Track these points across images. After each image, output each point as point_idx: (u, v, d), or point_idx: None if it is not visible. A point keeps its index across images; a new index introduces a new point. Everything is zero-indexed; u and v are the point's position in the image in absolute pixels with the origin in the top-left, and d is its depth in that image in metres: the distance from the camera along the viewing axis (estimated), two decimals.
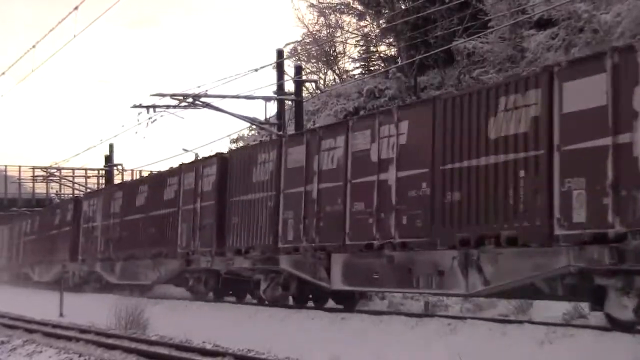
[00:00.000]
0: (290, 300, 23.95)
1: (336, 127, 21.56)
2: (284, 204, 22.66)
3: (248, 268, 24.65)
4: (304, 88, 38.97)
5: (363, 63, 49.25)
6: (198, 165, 28.55)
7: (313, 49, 49.50)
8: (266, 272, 23.81)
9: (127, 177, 52.67)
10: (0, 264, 61.59)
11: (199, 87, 31.26)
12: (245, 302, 26.71)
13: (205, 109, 31.59)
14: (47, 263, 45.55)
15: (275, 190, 23.05)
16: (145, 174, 48.02)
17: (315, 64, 51.37)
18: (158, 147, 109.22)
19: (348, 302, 22.61)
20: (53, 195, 62.48)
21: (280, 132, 30.85)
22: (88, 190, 55.04)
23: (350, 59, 50.67)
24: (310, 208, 21.39)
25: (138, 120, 32.57)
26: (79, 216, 40.85)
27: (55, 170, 58.76)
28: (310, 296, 23.48)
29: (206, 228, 26.81)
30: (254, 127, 40.83)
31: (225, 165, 26.28)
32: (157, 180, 32.03)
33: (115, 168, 51.07)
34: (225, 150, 36.44)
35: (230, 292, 27.86)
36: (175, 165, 33.52)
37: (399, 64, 42.04)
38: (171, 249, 29.30)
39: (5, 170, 64.15)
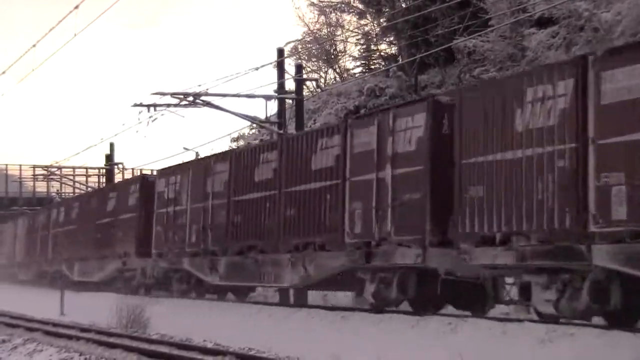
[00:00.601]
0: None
1: None
2: (597, 161, 14.39)
3: (509, 266, 16.43)
4: (304, 87, 38.95)
5: (363, 62, 49.22)
6: (383, 117, 19.87)
7: (313, 48, 49.47)
8: (549, 272, 15.73)
9: (128, 176, 52.69)
10: (16, 261, 55.06)
11: (199, 85, 31.31)
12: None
13: (206, 108, 31.70)
14: (97, 259, 37.98)
15: (574, 140, 14.86)
16: (146, 173, 47.75)
17: (315, 63, 51.35)
18: (159, 146, 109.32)
19: None
20: (54, 194, 62.52)
21: (281, 132, 30.85)
22: (89, 189, 55.03)
23: (351, 58, 50.71)
24: None
25: (139, 119, 32.63)
26: (149, 199, 32.63)
27: (56, 169, 58.82)
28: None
29: (407, 206, 18.73)
30: (254, 126, 40.85)
31: (441, 113, 18.34)
32: (297, 144, 23.38)
33: (116, 167, 51.14)
34: (226, 149, 36.31)
35: (446, 301, 19.53)
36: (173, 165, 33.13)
37: (400, 62, 42.04)
38: (331, 237, 21.22)
39: (6, 169, 64.30)
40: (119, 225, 35.57)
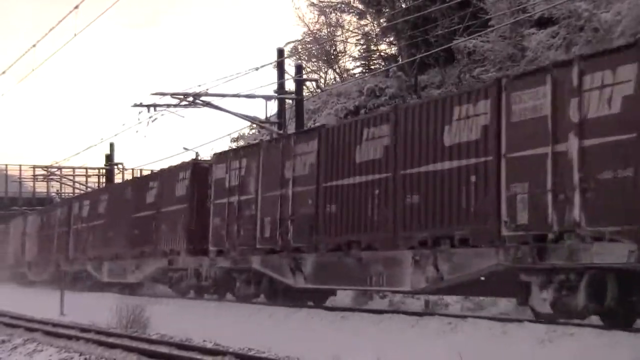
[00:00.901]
0: None
1: None
2: None
3: None
4: (304, 87, 38.98)
5: (363, 62, 49.23)
6: (561, 73, 15.52)
7: (313, 48, 49.49)
8: None
9: (128, 176, 52.74)
10: (25, 260, 51.44)
11: (199, 86, 31.36)
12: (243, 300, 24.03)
13: (206, 108, 31.73)
14: (133, 258, 33.76)
15: None
16: (146, 173, 47.68)
17: (315, 63, 51.35)
18: (158, 146, 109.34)
19: None
20: (54, 194, 62.59)
21: (281, 132, 30.86)
22: (89, 189, 55.03)
23: (351, 58, 50.74)
24: None
25: (139, 119, 32.72)
26: (203, 188, 28.34)
27: (56, 169, 58.89)
28: None
29: (609, 187, 14.36)
30: (254, 126, 40.86)
31: None
32: (418, 115, 19.13)
33: (115, 167, 51.20)
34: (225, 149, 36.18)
35: None
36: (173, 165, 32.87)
37: (400, 62, 42.04)
38: (479, 230, 17.06)
39: (6, 169, 64.36)
40: (163, 219, 31.13)
